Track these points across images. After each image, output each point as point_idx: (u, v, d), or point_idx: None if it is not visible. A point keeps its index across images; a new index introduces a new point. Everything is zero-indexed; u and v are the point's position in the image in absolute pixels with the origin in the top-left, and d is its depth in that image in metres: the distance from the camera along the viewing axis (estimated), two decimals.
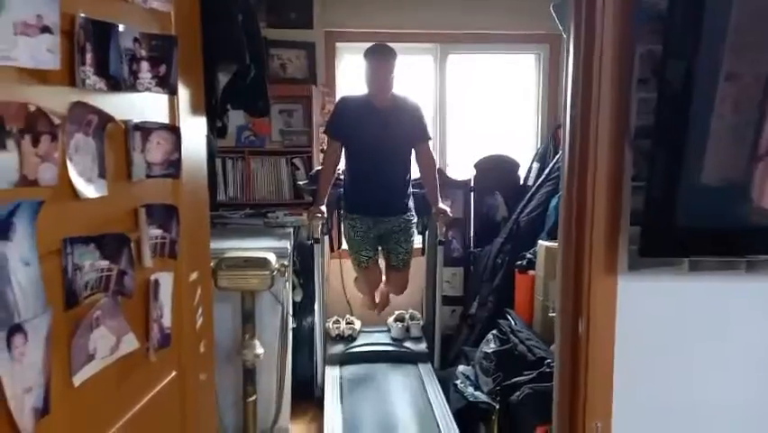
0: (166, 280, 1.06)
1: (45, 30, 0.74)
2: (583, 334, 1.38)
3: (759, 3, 1.17)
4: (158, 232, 1.02)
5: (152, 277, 1.02)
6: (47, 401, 0.75)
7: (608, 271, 1.35)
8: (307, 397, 3.14)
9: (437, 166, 3.32)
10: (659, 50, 1.22)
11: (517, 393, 2.41)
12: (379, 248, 3.29)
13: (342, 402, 2.94)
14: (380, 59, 3.00)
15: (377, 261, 3.32)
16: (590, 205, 1.34)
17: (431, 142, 3.21)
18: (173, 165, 1.05)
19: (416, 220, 3.30)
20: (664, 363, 1.40)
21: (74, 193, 0.82)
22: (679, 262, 1.35)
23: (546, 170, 3.57)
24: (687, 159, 1.19)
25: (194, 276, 1.22)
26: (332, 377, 3.17)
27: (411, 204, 3.24)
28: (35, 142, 0.73)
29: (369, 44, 3.79)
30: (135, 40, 0.95)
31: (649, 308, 1.39)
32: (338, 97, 3.77)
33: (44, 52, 0.74)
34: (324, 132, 3.22)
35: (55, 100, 0.78)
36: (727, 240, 1.31)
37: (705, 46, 1.16)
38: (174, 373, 1.13)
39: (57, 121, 0.77)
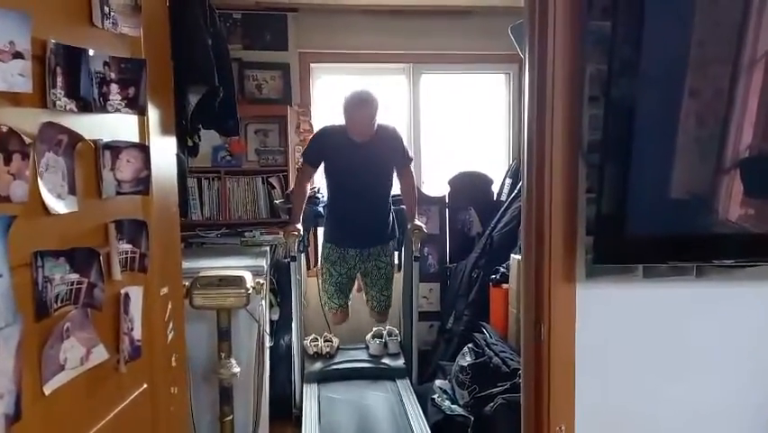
0: (136, 294, 1.09)
1: (17, 55, 0.78)
2: (545, 340, 1.43)
3: (709, 21, 1.25)
4: (128, 247, 1.06)
5: (122, 290, 1.05)
6: (18, 408, 0.78)
7: (567, 278, 1.41)
8: (285, 416, 3.14)
9: (416, 184, 3.39)
10: (606, 70, 1.30)
11: (491, 405, 2.45)
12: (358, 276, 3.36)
13: (320, 421, 2.95)
14: (362, 110, 2.95)
15: (346, 307, 3.43)
16: (548, 216, 1.41)
17: (412, 164, 3.27)
18: (143, 182, 1.09)
19: (395, 259, 3.37)
20: (623, 366, 1.46)
21: (45, 209, 0.85)
22: (634, 270, 1.42)
23: (518, 186, 3.65)
24: (634, 171, 1.26)
25: (165, 291, 1.25)
26: (310, 395, 3.18)
27: (392, 229, 3.29)
28: (7, 161, 0.77)
29: (343, 65, 3.93)
30: (105, 63, 0.99)
31: (607, 314, 1.45)
32: (313, 118, 3.86)
33: (16, 76, 0.79)
34: (302, 156, 3.25)
35: (27, 121, 0.83)
36: (682, 248, 1.38)
37: (648, 65, 1.24)
38: (145, 386, 1.16)
39: (28, 140, 0.81)
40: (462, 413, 2.70)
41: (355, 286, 3.48)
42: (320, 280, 3.36)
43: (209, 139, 2.91)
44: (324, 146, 3.12)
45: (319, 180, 3.45)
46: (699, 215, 1.36)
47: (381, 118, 3.11)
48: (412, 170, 3.27)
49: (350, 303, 3.45)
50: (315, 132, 3.37)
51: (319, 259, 3.41)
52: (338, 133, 3.07)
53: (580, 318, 1.43)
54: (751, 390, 1.49)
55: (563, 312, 1.43)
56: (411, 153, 3.31)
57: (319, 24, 3.77)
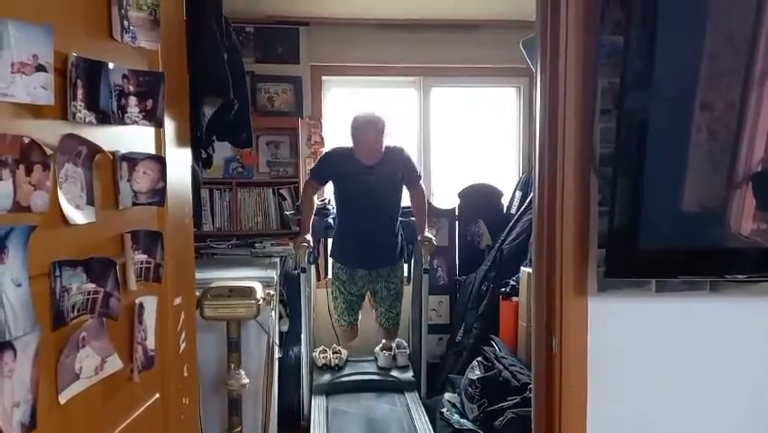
0: (150, 304, 1.10)
1: (40, 68, 0.80)
2: (556, 353, 1.43)
3: (721, 34, 1.25)
4: (143, 257, 1.07)
5: (137, 300, 1.06)
6: (34, 417, 0.78)
7: (579, 292, 1.41)
8: (294, 427, 3.13)
9: (427, 199, 3.40)
10: (618, 84, 1.31)
11: (501, 419, 2.44)
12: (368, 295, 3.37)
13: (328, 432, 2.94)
14: (369, 131, 2.97)
15: (356, 324, 3.44)
16: (560, 229, 1.41)
17: (422, 181, 3.29)
18: (158, 194, 1.10)
19: (404, 279, 3.40)
20: (635, 381, 1.45)
21: (64, 219, 0.86)
22: (646, 283, 1.41)
23: (528, 199, 3.65)
24: (646, 184, 1.26)
25: (178, 301, 1.26)
26: (318, 407, 3.17)
27: (401, 250, 3.30)
28: (28, 172, 0.78)
29: (354, 78, 3.96)
30: (124, 76, 1.01)
31: (619, 328, 1.44)
32: (324, 130, 3.89)
33: (39, 89, 0.80)
34: (310, 172, 3.27)
35: (48, 133, 0.84)
36: (695, 262, 1.38)
37: (660, 78, 1.24)
38: (157, 396, 1.16)
39: (49, 152, 0.82)
40: (472, 427, 2.69)
41: (366, 300, 3.48)
42: (330, 298, 3.37)
43: (221, 150, 2.92)
44: (332, 168, 3.14)
45: (329, 192, 3.47)
46: (712, 229, 1.35)
47: (390, 138, 3.10)
48: (422, 186, 3.29)
49: (359, 320, 3.45)
50: (323, 152, 3.39)
51: (329, 273, 3.41)
52: (346, 156, 3.08)
53: (591, 332, 1.42)
54: (765, 404, 1.47)
55: (575, 326, 1.42)
56: (420, 170, 3.32)
57: (330, 38, 3.81)
